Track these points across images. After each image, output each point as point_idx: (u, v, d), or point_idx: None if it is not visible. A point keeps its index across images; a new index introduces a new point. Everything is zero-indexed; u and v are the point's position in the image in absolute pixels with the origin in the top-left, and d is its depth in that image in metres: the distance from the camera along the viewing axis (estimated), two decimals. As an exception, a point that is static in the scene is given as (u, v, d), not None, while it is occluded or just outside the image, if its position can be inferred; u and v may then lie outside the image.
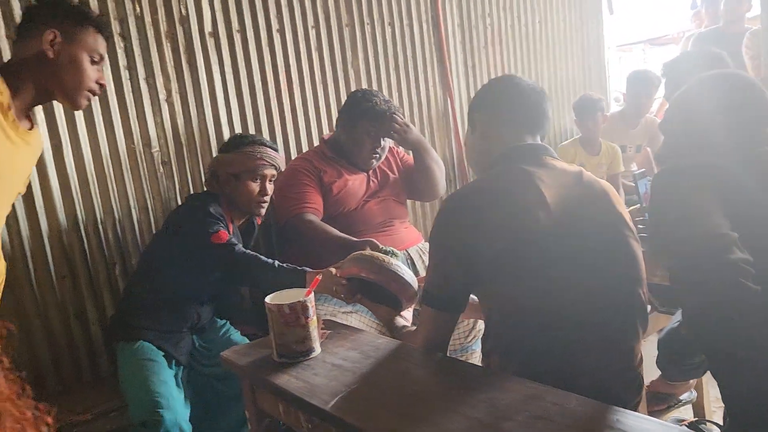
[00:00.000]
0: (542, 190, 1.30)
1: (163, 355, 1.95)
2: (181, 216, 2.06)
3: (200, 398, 2.09)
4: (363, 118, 2.34)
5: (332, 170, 2.38)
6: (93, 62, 1.54)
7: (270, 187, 2.15)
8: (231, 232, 2.05)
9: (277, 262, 1.89)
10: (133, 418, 1.83)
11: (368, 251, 1.65)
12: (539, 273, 1.26)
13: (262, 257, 1.90)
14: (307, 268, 1.87)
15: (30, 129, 1.53)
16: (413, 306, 1.62)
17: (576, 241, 1.28)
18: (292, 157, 2.71)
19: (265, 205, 2.15)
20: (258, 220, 2.30)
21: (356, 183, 2.40)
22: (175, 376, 1.95)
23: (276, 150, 2.18)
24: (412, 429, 1.02)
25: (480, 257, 1.28)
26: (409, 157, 2.63)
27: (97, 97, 2.18)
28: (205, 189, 2.25)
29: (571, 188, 1.35)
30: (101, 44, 1.56)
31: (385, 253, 1.90)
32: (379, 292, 1.59)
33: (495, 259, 1.27)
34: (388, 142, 2.44)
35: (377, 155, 2.41)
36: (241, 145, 2.11)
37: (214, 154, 2.50)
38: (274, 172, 2.16)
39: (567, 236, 1.28)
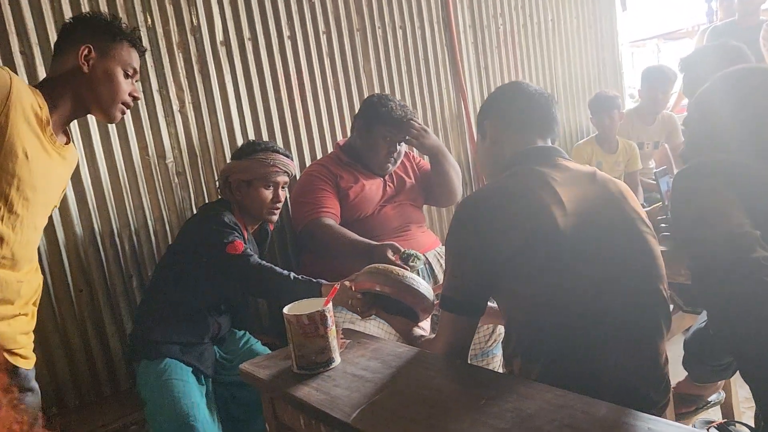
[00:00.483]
0: (556, 189, 1.29)
1: (192, 371, 1.93)
2: (195, 226, 2.05)
3: (224, 409, 2.08)
4: (379, 123, 2.32)
5: (349, 175, 2.37)
6: (126, 76, 1.59)
7: (282, 194, 2.14)
8: (246, 241, 2.04)
9: (292, 274, 1.87)
10: None
11: (382, 265, 1.60)
12: (557, 271, 1.25)
13: (278, 269, 1.88)
14: (323, 281, 1.85)
15: (66, 143, 1.56)
16: (430, 314, 1.59)
17: (593, 238, 1.27)
18: (306, 163, 2.70)
19: (278, 212, 2.15)
20: (271, 226, 2.29)
21: (373, 188, 2.38)
22: (206, 393, 1.94)
23: (289, 157, 2.18)
24: (437, 441, 1.00)
25: (497, 258, 1.27)
26: (426, 163, 2.61)
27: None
28: (219, 197, 2.24)
29: (586, 187, 1.34)
30: (135, 58, 1.60)
31: (407, 256, 1.89)
32: (395, 303, 1.56)
33: (512, 259, 1.26)
34: (404, 147, 2.42)
35: (393, 160, 2.39)
36: (253, 152, 2.10)
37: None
38: (287, 179, 2.15)
39: (584, 234, 1.26)
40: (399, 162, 2.45)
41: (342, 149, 2.45)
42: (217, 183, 2.47)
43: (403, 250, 1.97)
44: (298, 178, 2.56)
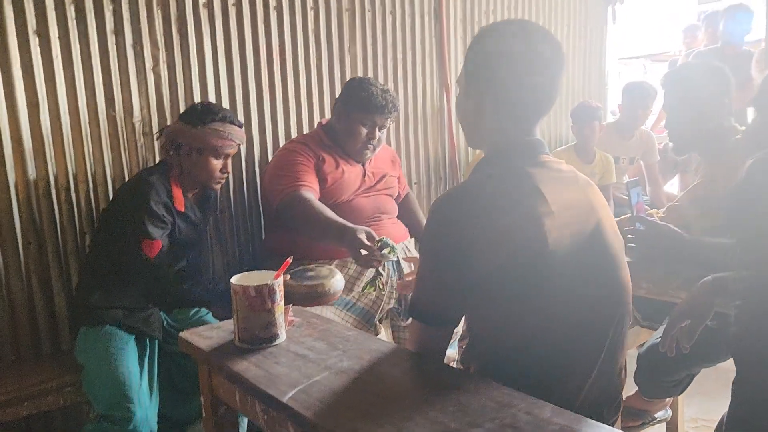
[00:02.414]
0: (546, 196, 1.17)
1: (135, 338, 1.88)
2: (124, 200, 1.96)
3: (168, 379, 2.03)
4: (357, 109, 2.25)
5: (330, 159, 2.30)
6: None
7: (229, 164, 2.09)
8: (183, 208, 1.99)
9: (221, 285, 1.93)
10: (97, 408, 1.77)
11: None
12: (539, 293, 1.15)
13: (187, 286, 1.91)
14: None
15: None
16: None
17: (573, 253, 1.17)
18: (280, 138, 2.63)
19: (223, 181, 2.10)
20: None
21: (351, 176, 2.32)
22: (150, 359, 1.89)
23: (241, 126, 2.10)
24: (372, 429, 0.95)
25: (478, 272, 1.15)
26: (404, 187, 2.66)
27: (79, 58, 2.12)
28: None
29: (569, 191, 1.23)
30: None
31: (383, 245, 1.90)
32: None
33: (492, 275, 1.14)
34: (384, 135, 2.36)
35: (372, 147, 2.32)
36: (208, 120, 1.99)
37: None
38: (237, 150, 2.11)
39: (566, 249, 1.16)
40: (378, 149, 2.38)
41: (324, 130, 2.38)
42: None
43: (378, 238, 1.93)
44: (270, 153, 2.51)
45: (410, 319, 1.27)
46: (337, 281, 1.86)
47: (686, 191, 2.20)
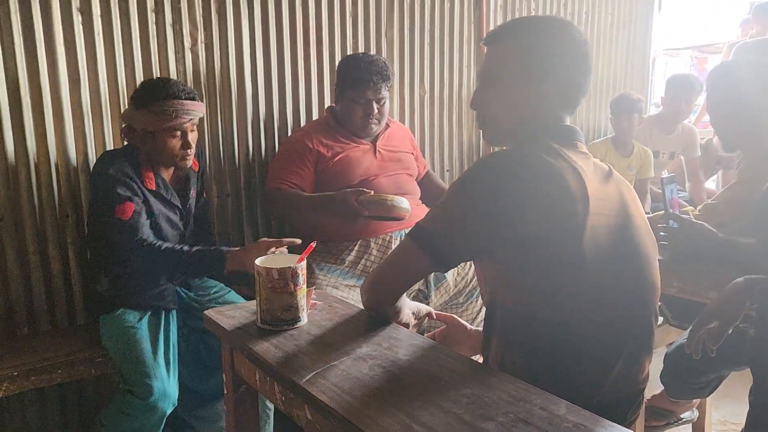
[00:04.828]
0: (585, 181, 1.16)
1: (151, 314, 1.93)
2: (92, 179, 1.98)
3: (194, 355, 2.08)
4: (347, 87, 2.28)
5: (334, 139, 2.32)
6: None
7: (193, 136, 1.98)
8: (154, 186, 1.95)
9: (185, 247, 1.86)
10: (123, 385, 1.84)
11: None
12: (564, 270, 1.14)
13: (166, 245, 1.86)
14: (225, 248, 1.87)
15: None
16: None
17: (603, 242, 1.16)
18: (313, 118, 2.64)
19: (190, 157, 1.99)
20: (194, 165, 2.13)
21: (357, 153, 2.32)
22: (167, 333, 1.93)
23: (193, 97, 1.94)
24: (386, 416, 0.96)
25: (505, 233, 1.14)
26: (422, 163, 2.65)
27: (120, 36, 2.16)
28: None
29: (605, 184, 1.22)
30: None
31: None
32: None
33: (521, 239, 1.13)
34: (386, 105, 2.35)
35: (375, 120, 2.32)
36: (153, 100, 1.87)
37: (234, 109, 2.45)
38: (196, 121, 1.98)
39: (597, 237, 1.15)
40: (384, 121, 2.38)
41: (330, 112, 2.41)
42: (220, 128, 2.44)
43: (371, 193, 2.04)
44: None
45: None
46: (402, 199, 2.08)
47: (724, 190, 2.14)
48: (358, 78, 2.25)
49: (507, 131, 1.30)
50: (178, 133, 1.93)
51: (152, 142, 1.92)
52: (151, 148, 1.94)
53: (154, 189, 1.96)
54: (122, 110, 2.16)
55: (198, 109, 1.95)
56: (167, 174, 2.05)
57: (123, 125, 1.98)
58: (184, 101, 1.90)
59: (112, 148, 2.18)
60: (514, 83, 1.26)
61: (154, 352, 1.85)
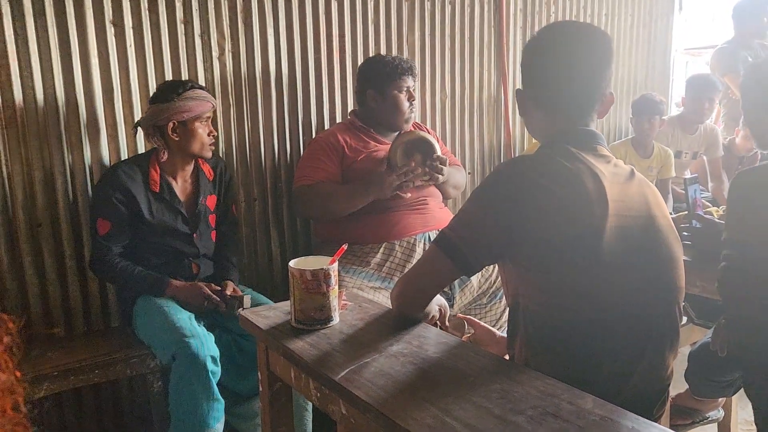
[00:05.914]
0: (604, 184, 1.19)
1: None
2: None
3: (228, 357, 2.13)
4: (389, 80, 2.35)
5: (358, 139, 2.39)
6: None
7: (213, 126, 2.14)
8: (157, 189, 2.04)
9: (138, 269, 2.01)
10: (162, 359, 1.90)
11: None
12: (588, 272, 1.17)
13: (122, 265, 2.00)
14: (171, 280, 2.03)
15: None
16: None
17: (625, 244, 1.19)
18: (337, 122, 2.69)
19: (214, 146, 2.14)
20: (209, 174, 2.21)
21: (381, 154, 2.37)
22: (195, 317, 2.01)
23: (207, 90, 2.14)
24: (419, 410, 1.00)
25: (525, 237, 1.19)
26: None
27: (151, 47, 2.23)
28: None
29: (625, 187, 1.25)
30: None
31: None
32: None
33: (543, 242, 1.18)
34: (416, 91, 2.46)
35: (413, 107, 2.42)
36: (180, 91, 2.02)
37: (260, 115, 2.51)
38: (213, 112, 2.16)
39: (618, 238, 1.18)
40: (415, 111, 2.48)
41: (356, 115, 2.47)
42: (248, 136, 2.49)
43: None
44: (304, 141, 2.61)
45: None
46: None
47: (747, 189, 2.15)
48: (396, 69, 2.35)
49: (536, 128, 1.36)
50: (204, 120, 2.07)
51: (183, 133, 2.04)
52: (180, 141, 2.05)
53: (157, 191, 2.05)
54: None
55: (213, 99, 2.12)
56: (179, 179, 2.13)
57: (145, 130, 2.07)
58: (204, 91, 2.08)
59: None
60: (527, 94, 1.33)
61: (187, 318, 1.94)
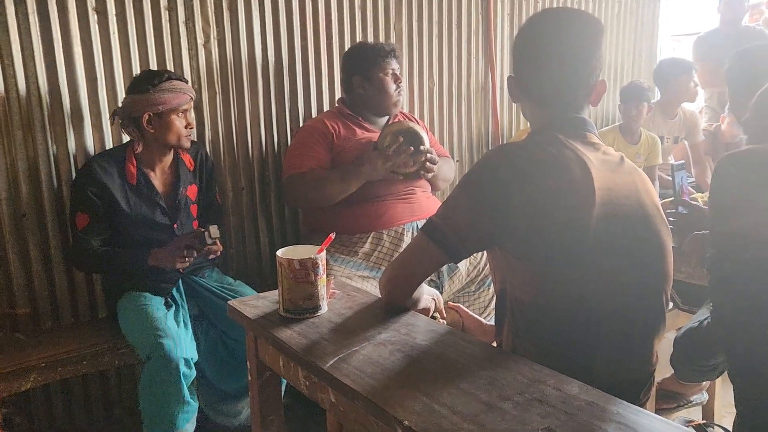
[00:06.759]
0: (591, 172, 1.19)
1: (158, 293, 2.03)
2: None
3: (214, 353, 2.13)
4: (373, 64, 2.35)
5: (348, 127, 2.38)
6: None
7: (191, 117, 2.10)
8: (134, 181, 2.02)
9: (119, 250, 1.99)
10: (141, 357, 1.89)
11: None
12: (575, 260, 1.17)
13: (102, 251, 1.98)
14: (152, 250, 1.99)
15: None
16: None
17: (613, 232, 1.19)
18: (323, 111, 2.68)
19: (190, 137, 2.11)
20: (189, 163, 2.18)
21: (372, 141, 2.36)
22: (175, 316, 2.01)
23: (186, 81, 2.10)
24: (408, 397, 1.01)
25: (512, 225, 1.18)
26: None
27: (134, 34, 2.20)
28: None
29: (615, 174, 1.24)
30: None
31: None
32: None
33: (531, 231, 1.18)
34: (401, 74, 2.47)
35: (400, 89, 2.42)
36: (156, 82, 1.98)
37: (247, 103, 2.49)
38: (192, 104, 2.10)
39: (607, 225, 1.18)
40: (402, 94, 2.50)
41: (344, 103, 2.46)
42: (234, 123, 2.47)
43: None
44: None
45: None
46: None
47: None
48: (377, 52, 2.36)
49: (530, 124, 1.36)
50: (181, 112, 2.03)
51: (158, 125, 2.01)
52: (156, 133, 2.01)
53: (134, 184, 2.03)
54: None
55: (191, 91, 2.08)
56: (158, 170, 2.10)
57: (120, 119, 2.03)
58: (183, 83, 2.04)
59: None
60: (517, 82, 1.33)
61: (164, 316, 1.93)
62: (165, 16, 2.28)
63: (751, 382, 1.39)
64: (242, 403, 2.14)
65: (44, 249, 2.14)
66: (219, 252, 2.02)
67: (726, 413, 2.35)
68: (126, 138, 2.19)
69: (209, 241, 1.94)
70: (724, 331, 1.51)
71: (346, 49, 2.69)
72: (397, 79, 2.39)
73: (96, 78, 2.15)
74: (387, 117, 2.45)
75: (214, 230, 1.97)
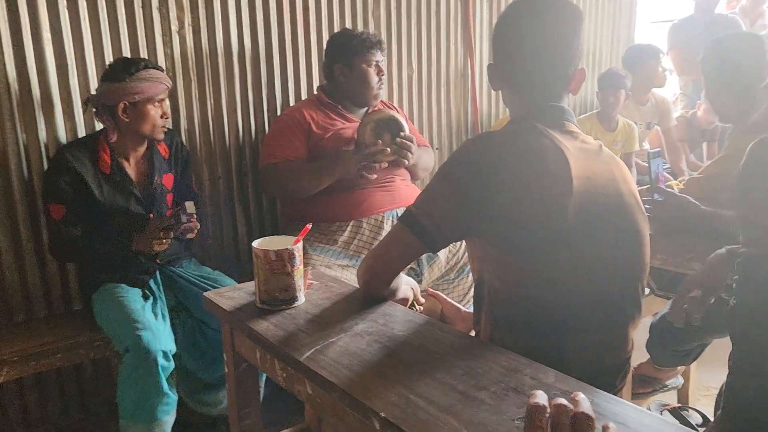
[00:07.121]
0: (569, 161, 1.19)
1: (134, 283, 2.00)
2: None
3: (193, 343, 2.12)
4: (357, 54, 2.32)
5: (326, 115, 2.35)
6: None
7: (167, 107, 2.06)
8: (108, 171, 1.99)
9: (99, 239, 1.96)
10: (119, 350, 1.87)
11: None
12: (548, 249, 1.17)
13: (82, 240, 1.95)
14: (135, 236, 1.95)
15: None
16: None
17: (591, 221, 1.19)
18: (302, 98, 2.65)
19: (166, 128, 2.07)
20: (164, 152, 2.15)
21: (348, 132, 2.34)
22: (153, 308, 1.99)
23: (162, 69, 2.05)
24: (384, 388, 1.00)
25: (490, 214, 1.18)
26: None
27: (106, 21, 2.15)
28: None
29: (593, 163, 1.24)
30: None
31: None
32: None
33: (508, 220, 1.18)
34: (384, 64, 2.43)
35: (382, 82, 2.39)
36: (133, 72, 1.93)
37: (223, 91, 2.46)
38: (167, 94, 2.07)
39: (584, 215, 1.18)
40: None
41: (324, 91, 2.43)
42: (210, 111, 2.44)
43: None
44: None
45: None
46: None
47: (708, 164, 2.19)
48: (362, 42, 2.32)
49: (510, 112, 1.36)
50: (157, 101, 2.00)
51: (134, 115, 1.97)
52: (131, 122, 1.97)
53: (108, 173, 2.00)
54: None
55: (167, 80, 2.03)
56: (132, 159, 2.07)
57: (94, 107, 1.99)
58: (160, 72, 2.00)
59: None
60: (497, 70, 1.33)
61: (142, 308, 1.91)
62: (138, 1, 2.23)
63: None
64: (222, 392, 2.12)
65: (15, 240, 2.10)
66: (197, 229, 1.99)
67: (700, 396, 2.39)
68: (99, 126, 2.15)
69: (184, 219, 1.91)
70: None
71: (325, 36, 2.67)
72: (380, 72, 2.36)
73: (66, 65, 2.10)
74: (366, 107, 2.43)
75: (189, 206, 1.94)
